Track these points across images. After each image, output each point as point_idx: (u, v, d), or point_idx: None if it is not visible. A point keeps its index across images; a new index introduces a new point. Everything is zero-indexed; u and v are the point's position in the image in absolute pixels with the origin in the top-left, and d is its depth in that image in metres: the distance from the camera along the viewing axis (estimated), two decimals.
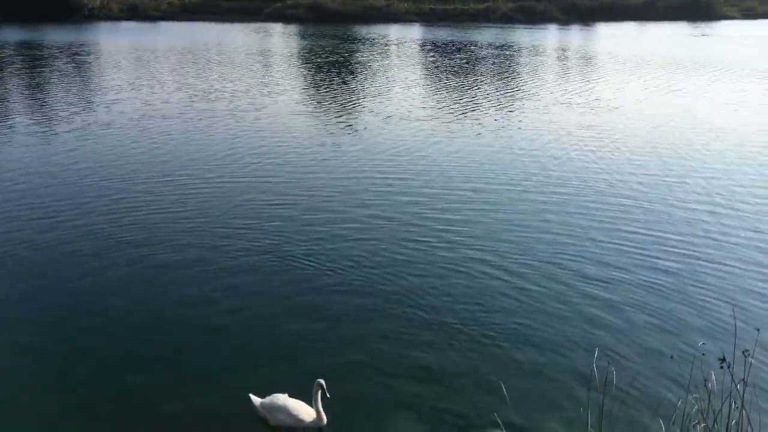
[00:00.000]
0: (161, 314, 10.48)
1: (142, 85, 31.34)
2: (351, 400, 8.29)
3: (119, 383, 8.58)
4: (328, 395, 7.83)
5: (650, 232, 14.44)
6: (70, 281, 11.42)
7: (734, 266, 12.88)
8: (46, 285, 11.25)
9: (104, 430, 7.76)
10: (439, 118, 25.47)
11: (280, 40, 60.56)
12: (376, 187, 17.16)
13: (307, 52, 48.53)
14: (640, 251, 13.44)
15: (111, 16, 76.99)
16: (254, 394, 8.06)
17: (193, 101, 27.51)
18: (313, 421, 7.94)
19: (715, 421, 4.33)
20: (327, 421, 7.90)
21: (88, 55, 44.47)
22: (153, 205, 15.33)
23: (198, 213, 14.95)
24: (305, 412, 7.92)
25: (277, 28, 71.77)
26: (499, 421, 7.19)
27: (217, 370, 8.92)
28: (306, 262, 12.56)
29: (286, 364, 9.20)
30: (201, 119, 24.20)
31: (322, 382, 7.85)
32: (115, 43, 53.71)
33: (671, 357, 6.84)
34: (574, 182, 17.81)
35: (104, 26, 70.04)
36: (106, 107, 26.14)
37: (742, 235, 14.37)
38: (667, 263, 12.98)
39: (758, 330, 5.85)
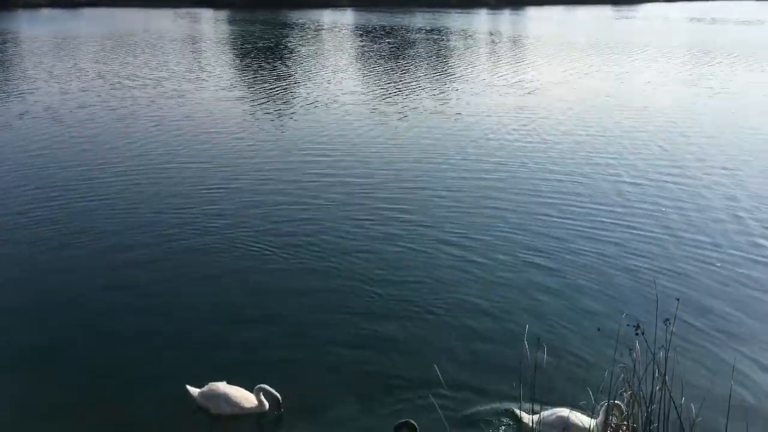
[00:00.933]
0: (86, 307, 10.13)
1: (60, 74, 30.11)
2: (294, 381, 8.13)
3: (52, 380, 8.23)
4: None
5: (573, 209, 14.80)
6: None
7: (658, 238, 13.34)
8: None
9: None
10: (369, 102, 25.45)
11: (209, 25, 59.13)
12: (308, 169, 17.03)
13: (236, 38, 47.58)
14: (565, 228, 13.74)
15: (31, 3, 73.51)
16: (191, 385, 7.80)
17: (114, 89, 26.59)
18: (255, 408, 7.76)
19: (639, 386, 4.34)
20: (269, 406, 7.74)
21: (3, 44, 42.33)
22: (71, 194, 14.79)
23: (120, 201, 14.49)
24: (246, 398, 7.74)
25: (206, 13, 70.09)
26: (441, 380, 7.20)
27: (150, 362, 8.66)
28: (241, 246, 12.37)
29: (221, 350, 9.02)
30: (123, 107, 23.36)
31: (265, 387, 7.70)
32: (34, 31, 51.38)
33: (598, 329, 6.93)
34: (507, 160, 18.10)
35: (23, 14, 66.88)
36: (20, 97, 24.98)
37: (665, 208, 14.87)
38: (595, 237, 13.31)
39: (678, 300, 5.95)
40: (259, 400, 7.78)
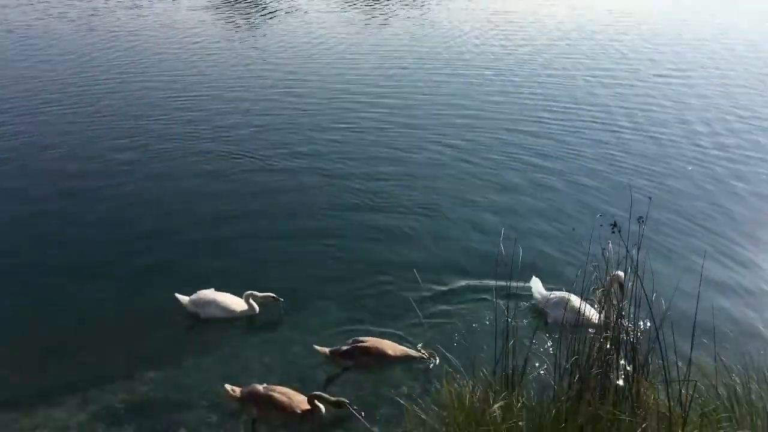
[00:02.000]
0: (74, 219, 10.19)
1: None
2: (282, 282, 8.47)
3: (42, 292, 8.40)
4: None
5: (551, 112, 14.81)
6: None
7: (632, 139, 13.49)
8: None
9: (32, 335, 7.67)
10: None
11: None
12: (294, 77, 16.84)
13: None
14: (542, 130, 13.82)
15: None
16: (180, 293, 7.96)
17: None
18: (246, 311, 7.96)
19: (611, 285, 4.51)
20: (259, 311, 7.99)
21: None
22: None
23: (101, 111, 14.24)
24: (236, 303, 7.96)
25: None
26: (418, 278, 7.48)
27: (139, 272, 8.83)
28: (226, 154, 12.46)
29: (207, 259, 9.22)
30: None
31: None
32: None
33: (573, 229, 7.10)
34: (488, 64, 17.95)
35: None
36: None
37: (639, 110, 14.96)
38: (571, 140, 13.44)
39: (650, 198, 6.09)
40: (249, 305, 7.99)
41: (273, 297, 7.96)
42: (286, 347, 7.58)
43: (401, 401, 4.58)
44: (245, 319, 8.05)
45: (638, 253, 4.48)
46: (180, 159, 12.58)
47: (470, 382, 4.30)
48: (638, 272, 4.35)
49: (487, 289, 7.93)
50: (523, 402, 4.26)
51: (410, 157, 12.64)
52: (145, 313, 8.05)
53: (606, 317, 4.69)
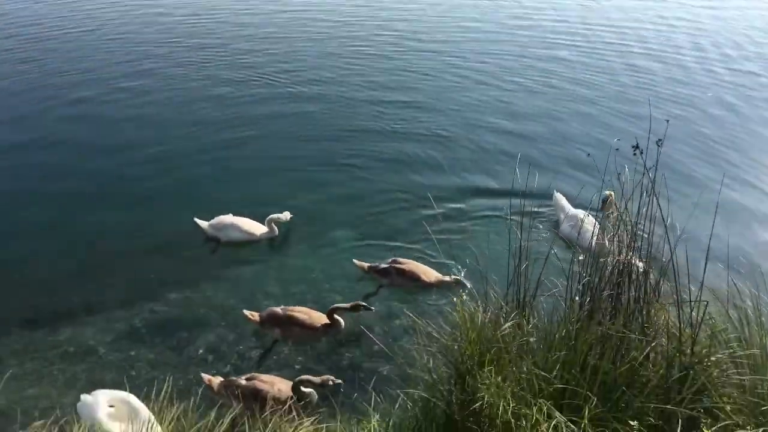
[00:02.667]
0: (97, 148, 10.23)
1: None
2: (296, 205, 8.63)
3: (64, 217, 8.57)
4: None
5: (568, 34, 14.39)
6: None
7: (648, 63, 13.12)
8: None
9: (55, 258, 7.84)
10: None
11: None
12: None
13: None
14: (558, 53, 13.47)
15: None
16: (198, 218, 8.07)
17: None
18: (265, 234, 8.10)
19: (626, 207, 4.49)
20: (279, 232, 8.22)
21: None
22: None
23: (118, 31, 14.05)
24: (256, 226, 8.08)
25: None
26: (431, 199, 7.54)
27: (158, 198, 8.94)
28: (238, 85, 12.33)
29: (224, 186, 9.30)
30: None
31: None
32: None
33: (588, 155, 7.00)
34: None
35: None
36: None
37: (657, 33, 14.50)
38: (588, 63, 13.11)
39: (668, 121, 5.96)
40: (270, 227, 8.13)
41: (289, 215, 8.17)
42: (303, 270, 7.73)
43: (417, 319, 4.67)
44: (265, 242, 8.19)
45: (655, 176, 4.42)
46: (195, 84, 12.51)
47: (482, 303, 4.36)
48: (654, 195, 4.31)
49: (501, 212, 7.99)
50: (534, 322, 4.33)
51: (427, 83, 12.48)
52: (164, 238, 8.19)
53: (619, 240, 4.69)
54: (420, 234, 7.98)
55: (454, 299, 4.47)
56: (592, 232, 5.70)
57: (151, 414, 4.39)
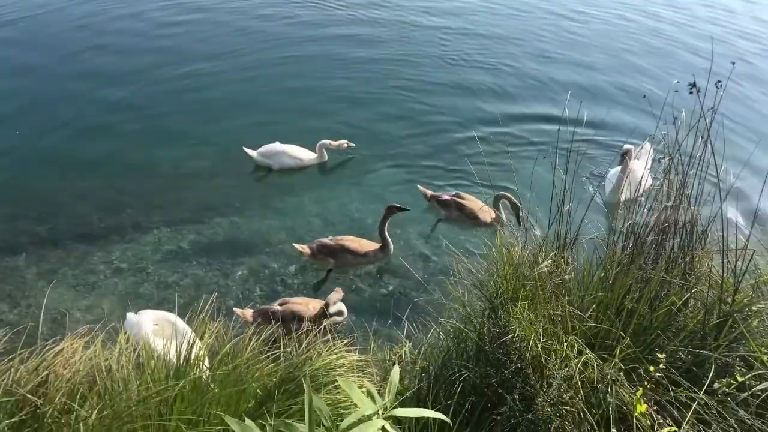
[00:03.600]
0: (148, 82, 10.36)
1: None
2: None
3: (111, 148, 8.76)
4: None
5: None
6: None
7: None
8: None
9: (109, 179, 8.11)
10: None
11: None
12: None
13: None
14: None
15: None
16: (247, 147, 8.18)
17: None
18: (315, 159, 8.20)
19: (678, 151, 4.36)
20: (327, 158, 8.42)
21: None
22: None
23: None
24: (306, 153, 8.18)
25: None
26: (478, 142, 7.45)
27: (205, 129, 9.09)
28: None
29: (269, 116, 9.40)
30: None
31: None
32: None
33: (644, 96, 6.79)
34: None
35: None
36: None
37: None
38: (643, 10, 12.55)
39: (733, 63, 5.68)
40: (320, 153, 8.22)
41: (346, 144, 8.25)
42: (347, 201, 7.83)
43: (455, 253, 4.70)
44: (315, 167, 8.32)
45: (712, 120, 4.26)
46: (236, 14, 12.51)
47: (521, 240, 4.35)
48: (709, 140, 4.17)
49: (548, 149, 7.88)
50: (572, 262, 4.30)
51: (485, 10, 12.24)
52: (212, 167, 8.37)
53: (669, 185, 4.57)
54: (464, 163, 8.00)
55: (496, 233, 4.48)
56: (638, 183, 5.55)
57: (193, 333, 4.58)
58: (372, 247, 6.78)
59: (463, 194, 7.44)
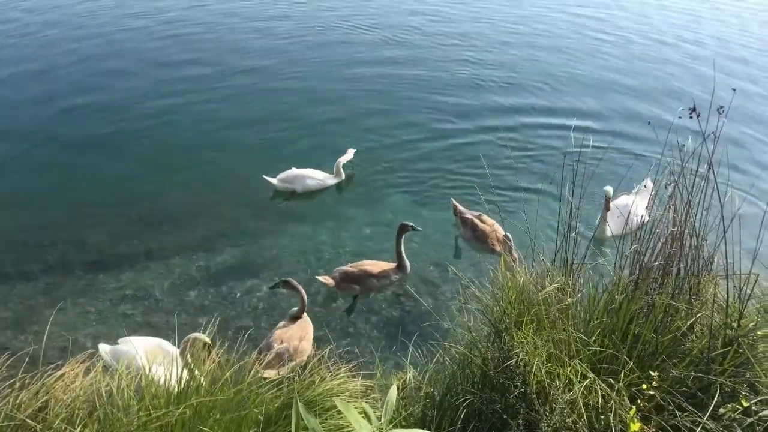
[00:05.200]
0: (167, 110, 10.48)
1: None
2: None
3: (130, 173, 8.87)
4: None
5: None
6: None
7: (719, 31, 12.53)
8: None
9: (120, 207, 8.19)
10: None
11: None
12: None
13: None
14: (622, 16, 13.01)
15: None
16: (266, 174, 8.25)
17: None
18: (335, 178, 8.50)
19: (682, 175, 4.35)
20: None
21: None
22: None
23: None
24: (325, 174, 8.29)
25: None
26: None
27: (225, 160, 9.20)
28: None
29: (281, 147, 9.47)
30: None
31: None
32: None
33: (648, 123, 6.80)
34: None
35: None
36: None
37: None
38: (646, 35, 12.63)
39: (734, 90, 5.71)
40: (338, 172, 8.33)
41: (352, 152, 8.62)
42: (359, 227, 7.88)
43: (461, 276, 4.70)
44: (324, 192, 8.43)
45: (715, 145, 4.25)
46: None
47: (526, 266, 4.35)
48: (713, 165, 4.16)
49: (554, 178, 7.90)
50: (578, 287, 4.28)
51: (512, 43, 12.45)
52: (224, 193, 8.45)
53: (674, 211, 4.55)
54: (471, 192, 8.05)
55: (500, 258, 4.47)
56: (642, 213, 5.52)
57: (180, 356, 4.58)
58: (390, 267, 6.89)
59: (484, 217, 7.46)
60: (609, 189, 7.33)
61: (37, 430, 2.88)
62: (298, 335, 5.67)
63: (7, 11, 15.01)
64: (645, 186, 7.55)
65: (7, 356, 3.48)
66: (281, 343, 5.53)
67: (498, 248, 7.19)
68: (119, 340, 5.36)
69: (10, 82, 11.31)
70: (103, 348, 5.22)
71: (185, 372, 3.41)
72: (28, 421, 2.89)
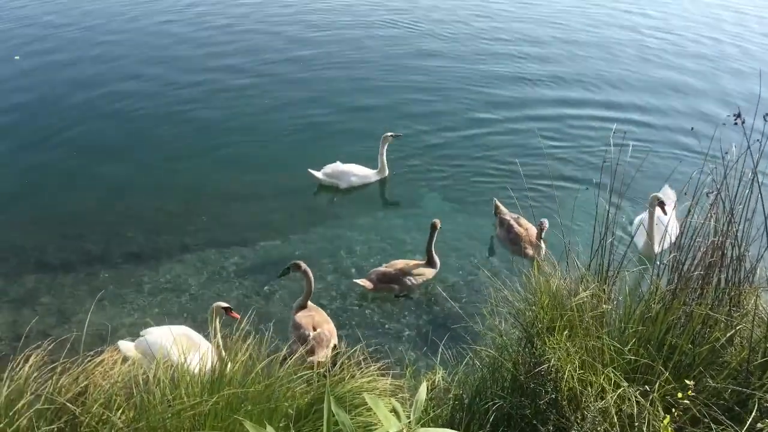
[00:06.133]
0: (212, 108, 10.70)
1: None
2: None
3: (164, 170, 9.09)
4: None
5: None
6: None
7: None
8: None
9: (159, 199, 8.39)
10: None
11: None
12: None
13: None
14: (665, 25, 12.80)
15: None
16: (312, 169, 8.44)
17: None
18: (378, 174, 8.55)
19: (724, 183, 4.26)
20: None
21: None
22: None
23: None
24: (369, 170, 8.32)
25: None
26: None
27: (270, 153, 9.40)
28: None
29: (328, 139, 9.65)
30: None
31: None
32: None
33: (692, 129, 6.67)
34: None
35: None
36: None
37: None
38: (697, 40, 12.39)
39: None
40: (381, 168, 8.36)
41: (391, 136, 8.46)
42: (390, 227, 7.90)
43: (494, 281, 4.67)
44: (356, 190, 8.47)
45: (761, 152, 4.15)
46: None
47: (560, 270, 4.30)
48: (757, 173, 4.06)
49: (591, 182, 7.82)
50: (614, 294, 4.22)
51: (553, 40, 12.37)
52: (265, 186, 8.56)
53: (716, 220, 4.45)
54: (505, 196, 8.01)
55: (534, 262, 4.43)
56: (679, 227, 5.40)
57: (210, 345, 4.67)
58: (421, 263, 6.92)
59: (522, 220, 7.38)
60: (659, 195, 6.92)
61: (76, 414, 2.96)
62: (323, 319, 5.83)
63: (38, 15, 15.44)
64: (664, 193, 7.23)
65: (49, 341, 3.59)
66: (314, 330, 5.61)
67: (530, 252, 7.12)
68: (141, 332, 5.44)
69: (69, 68, 11.75)
70: (124, 344, 5.26)
71: (217, 363, 3.46)
72: (68, 404, 2.98)
